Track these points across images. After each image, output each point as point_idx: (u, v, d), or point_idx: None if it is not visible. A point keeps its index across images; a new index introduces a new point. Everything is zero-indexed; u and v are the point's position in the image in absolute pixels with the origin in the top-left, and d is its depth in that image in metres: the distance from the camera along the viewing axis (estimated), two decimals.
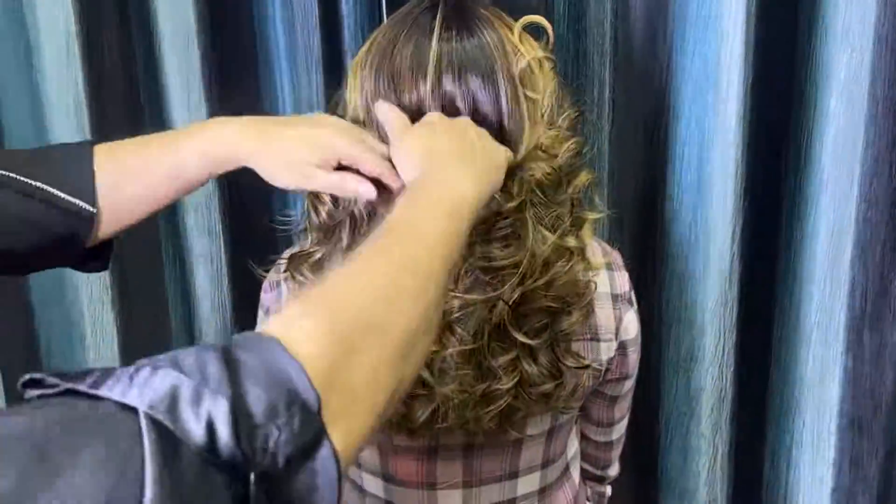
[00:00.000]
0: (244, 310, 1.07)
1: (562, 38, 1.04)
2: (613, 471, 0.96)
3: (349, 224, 0.72)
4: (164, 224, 1.06)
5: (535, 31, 0.75)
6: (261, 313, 0.84)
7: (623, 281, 0.81)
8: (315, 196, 0.73)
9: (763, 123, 1.06)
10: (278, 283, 0.82)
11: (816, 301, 1.10)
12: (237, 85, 1.05)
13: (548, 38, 0.74)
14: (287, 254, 0.80)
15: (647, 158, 1.10)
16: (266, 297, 0.83)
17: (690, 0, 1.02)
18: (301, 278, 0.75)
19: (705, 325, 1.10)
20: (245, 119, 0.69)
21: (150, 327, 1.08)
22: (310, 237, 0.76)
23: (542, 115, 0.71)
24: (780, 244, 1.11)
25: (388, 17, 0.84)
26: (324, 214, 0.73)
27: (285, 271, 0.77)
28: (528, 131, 0.70)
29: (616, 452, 0.94)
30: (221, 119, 0.69)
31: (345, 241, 0.72)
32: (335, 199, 0.72)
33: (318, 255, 0.74)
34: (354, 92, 0.73)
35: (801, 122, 1.08)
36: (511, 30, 0.72)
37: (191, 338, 1.11)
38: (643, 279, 1.11)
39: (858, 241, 1.07)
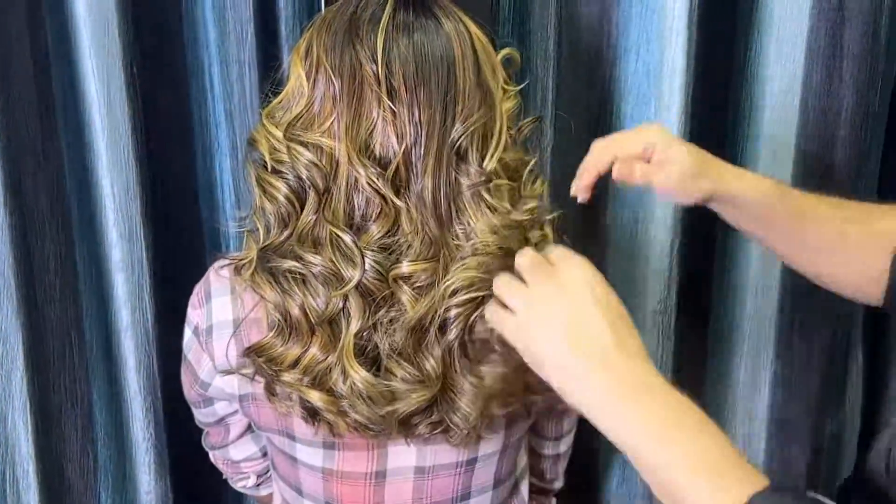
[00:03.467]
0: (166, 321, 0.99)
1: (506, 42, 1.02)
2: (559, 483, 0.95)
3: (315, 196, 0.67)
4: (78, 227, 0.97)
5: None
6: (188, 332, 0.77)
7: None
8: (268, 181, 0.68)
9: (703, 131, 1.07)
10: (209, 297, 0.75)
11: (749, 309, 1.13)
12: (162, 79, 0.97)
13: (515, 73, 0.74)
14: (227, 259, 0.74)
15: None
16: (195, 314, 0.76)
17: (634, 8, 1.02)
18: (266, 278, 0.69)
19: (645, 331, 1.10)
20: None
21: (61, 340, 0.99)
22: (262, 231, 0.70)
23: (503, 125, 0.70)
24: (715, 254, 1.13)
25: (325, 7, 0.80)
26: (281, 198, 0.68)
27: (248, 272, 0.70)
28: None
29: (563, 465, 0.93)
30: None
31: (311, 218, 0.67)
32: (297, 175, 0.67)
33: (285, 245, 0.68)
34: (298, 63, 0.69)
35: (737, 131, 1.10)
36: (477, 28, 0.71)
37: (108, 352, 1.02)
38: None
39: None
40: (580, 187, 0.75)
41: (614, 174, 0.73)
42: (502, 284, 0.61)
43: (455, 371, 0.69)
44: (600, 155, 0.74)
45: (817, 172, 1.08)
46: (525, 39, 1.02)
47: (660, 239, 1.07)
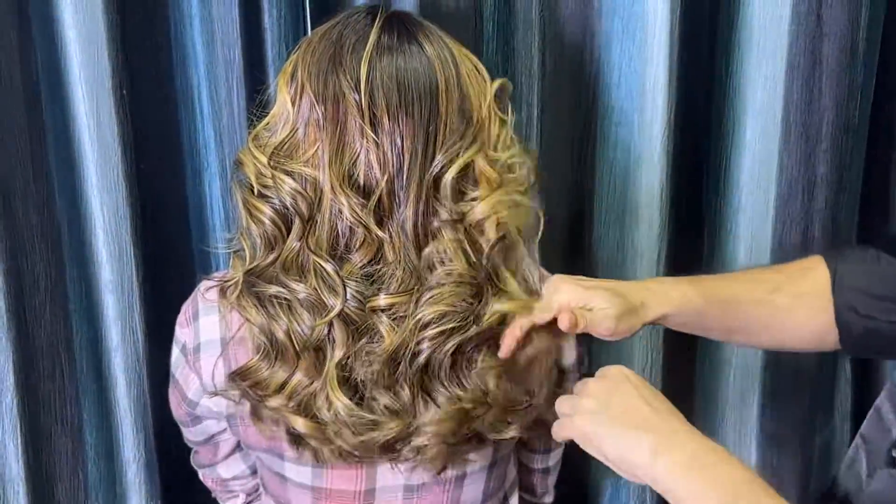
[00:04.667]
0: (157, 341, 0.99)
1: (490, 60, 1.03)
2: (549, 498, 0.95)
3: (299, 224, 0.68)
4: (68, 248, 0.98)
5: None
6: (176, 351, 0.78)
7: None
8: (253, 205, 0.69)
9: (685, 147, 1.09)
10: (196, 316, 0.75)
11: None
12: (151, 101, 0.98)
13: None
14: (213, 281, 0.75)
15: (574, 180, 1.10)
16: (183, 332, 0.76)
17: (616, 26, 1.04)
18: (252, 301, 0.69)
19: (633, 347, 1.11)
20: None
21: (51, 360, 0.99)
22: (249, 251, 0.70)
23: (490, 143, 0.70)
24: (702, 265, 1.14)
25: (312, 30, 0.82)
26: (267, 221, 0.68)
27: (234, 295, 0.71)
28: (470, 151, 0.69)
29: (552, 478, 0.93)
30: None
31: (295, 245, 0.68)
32: (282, 202, 0.68)
33: (270, 270, 0.69)
34: (284, 86, 0.70)
35: (719, 146, 1.11)
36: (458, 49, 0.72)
37: (98, 372, 1.02)
38: None
39: (775, 262, 1.11)
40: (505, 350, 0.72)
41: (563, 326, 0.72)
42: (560, 400, 0.69)
43: (420, 399, 0.69)
44: (523, 324, 0.72)
45: (800, 186, 1.09)
46: (509, 58, 1.03)
47: (646, 252, 1.08)
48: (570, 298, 0.71)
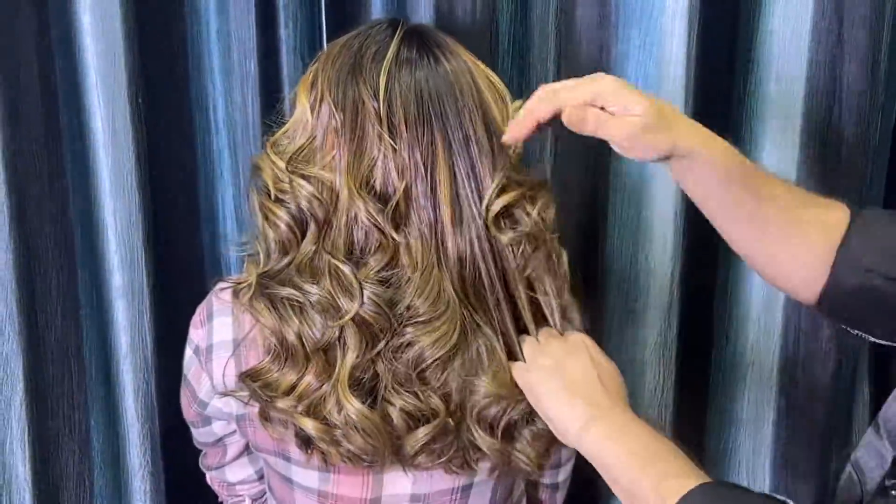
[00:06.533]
0: (166, 348, 1.00)
1: (506, 73, 1.03)
2: None
3: (315, 228, 0.68)
4: (80, 254, 0.98)
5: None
6: (189, 351, 0.78)
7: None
8: (270, 209, 0.70)
9: None
10: (210, 318, 0.76)
11: (751, 342, 1.12)
12: (166, 110, 0.99)
13: None
14: (228, 282, 0.75)
15: (588, 195, 1.09)
16: (196, 333, 0.77)
17: (632, 41, 1.04)
18: (264, 303, 0.69)
19: (645, 363, 1.09)
20: None
21: (60, 366, 0.99)
22: (263, 256, 0.71)
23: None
24: (716, 285, 1.13)
25: (328, 43, 0.82)
26: (283, 226, 0.68)
27: (246, 297, 0.71)
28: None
29: (562, 495, 0.92)
30: None
31: (310, 248, 0.68)
32: (299, 206, 0.68)
33: (284, 272, 0.69)
34: (303, 95, 0.70)
35: None
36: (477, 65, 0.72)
37: (107, 378, 1.02)
38: (584, 316, 1.10)
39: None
40: (514, 133, 0.67)
41: (564, 119, 0.66)
42: (527, 342, 0.72)
43: (455, 401, 0.69)
44: (544, 101, 0.66)
45: None
46: (525, 72, 1.03)
47: (660, 269, 1.06)
48: (609, 87, 0.65)
